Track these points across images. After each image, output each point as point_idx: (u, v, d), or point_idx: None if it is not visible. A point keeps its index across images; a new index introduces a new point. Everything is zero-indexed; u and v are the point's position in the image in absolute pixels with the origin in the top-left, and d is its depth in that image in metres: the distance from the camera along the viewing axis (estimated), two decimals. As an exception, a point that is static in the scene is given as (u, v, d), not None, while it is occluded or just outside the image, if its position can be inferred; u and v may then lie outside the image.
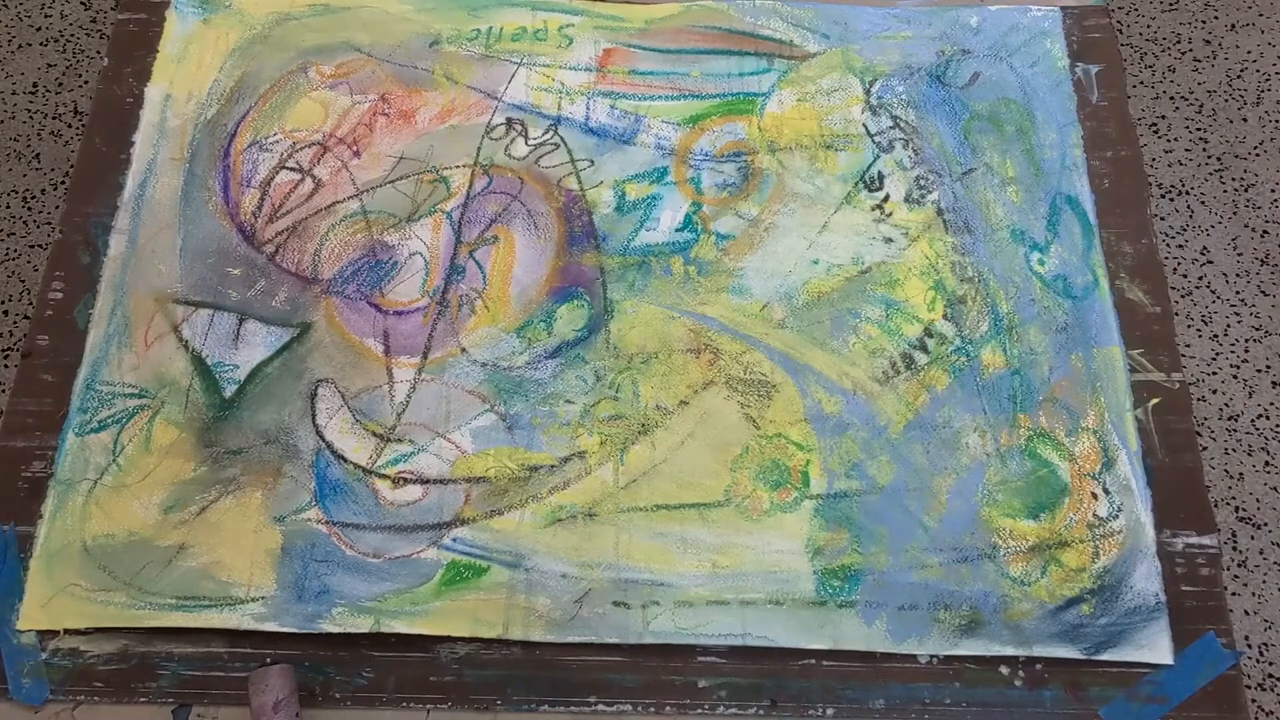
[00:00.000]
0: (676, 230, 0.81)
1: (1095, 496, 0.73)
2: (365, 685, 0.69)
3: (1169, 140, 1.70)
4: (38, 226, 1.57)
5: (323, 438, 0.74)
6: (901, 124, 0.85)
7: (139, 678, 0.69)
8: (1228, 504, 1.43)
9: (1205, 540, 0.73)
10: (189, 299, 0.78)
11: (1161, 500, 0.73)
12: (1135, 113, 1.71)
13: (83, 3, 1.75)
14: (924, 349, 0.77)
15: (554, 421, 0.74)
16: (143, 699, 0.68)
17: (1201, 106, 1.73)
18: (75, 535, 0.71)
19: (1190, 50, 1.78)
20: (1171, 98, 1.74)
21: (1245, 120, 1.71)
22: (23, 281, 1.53)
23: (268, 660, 0.68)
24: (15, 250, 1.55)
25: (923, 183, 0.83)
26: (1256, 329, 1.55)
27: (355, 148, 0.84)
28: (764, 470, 0.73)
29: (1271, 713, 1.30)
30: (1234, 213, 1.64)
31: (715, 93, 0.86)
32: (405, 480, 0.73)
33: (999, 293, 0.79)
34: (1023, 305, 0.79)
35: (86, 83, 1.68)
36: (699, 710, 0.69)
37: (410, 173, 0.83)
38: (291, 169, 0.83)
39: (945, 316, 0.78)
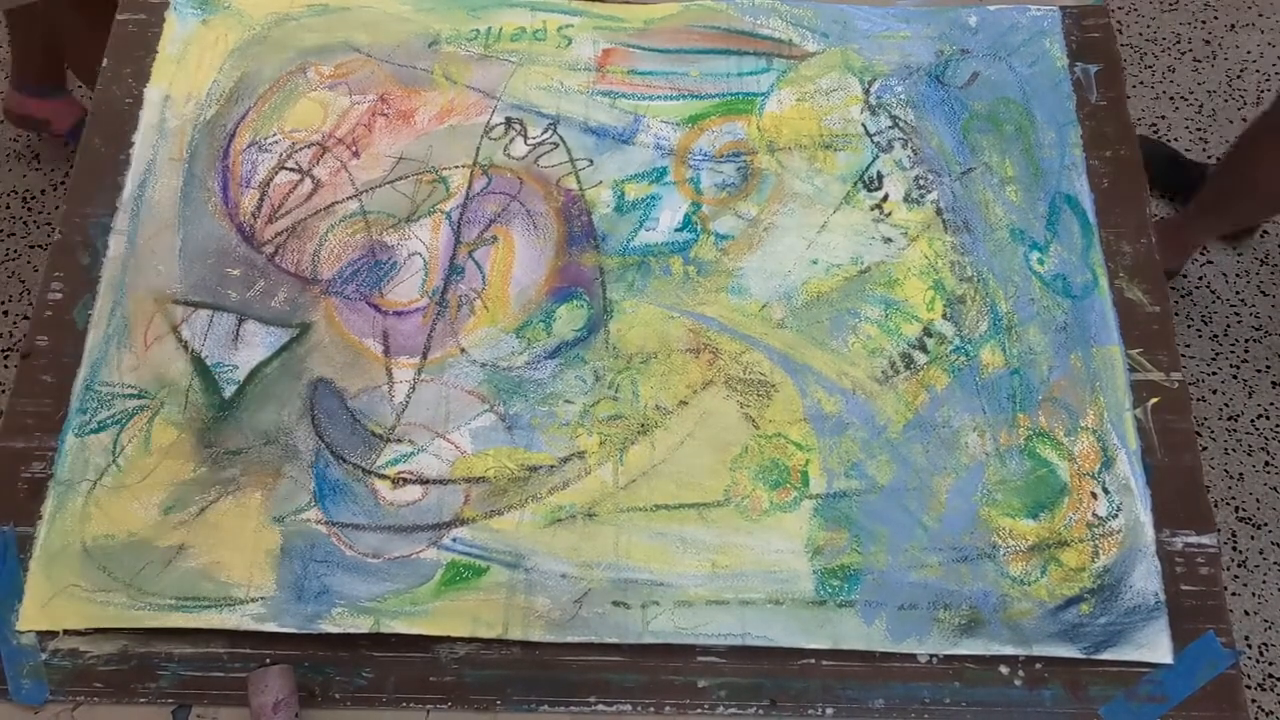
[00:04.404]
0: (676, 230, 0.81)
1: (1094, 496, 0.73)
2: (365, 685, 0.69)
3: (1169, 140, 1.70)
4: (38, 227, 1.57)
5: (322, 438, 0.74)
6: (900, 124, 0.85)
7: (139, 678, 0.69)
8: (1228, 504, 1.43)
9: (1205, 540, 0.73)
10: (188, 299, 0.78)
11: (1161, 500, 0.73)
12: (1135, 113, 1.71)
13: (82, 4, 1.75)
14: (923, 348, 0.77)
15: (553, 421, 0.74)
16: (142, 699, 0.68)
17: (1201, 106, 1.73)
18: (75, 536, 0.71)
19: (1190, 50, 1.78)
20: (1171, 98, 1.74)
21: (1245, 120, 1.71)
22: (23, 282, 1.53)
23: (267, 660, 0.68)
24: (15, 250, 1.55)
25: (922, 182, 0.83)
26: (1256, 329, 1.55)
27: (354, 148, 0.84)
28: (763, 470, 0.73)
29: (1271, 713, 1.30)
30: (1234, 212, 1.64)
31: (714, 92, 0.86)
32: (405, 480, 0.73)
33: (998, 292, 0.79)
34: (1022, 305, 0.79)
35: (86, 83, 1.68)
36: (699, 710, 0.69)
37: (409, 173, 0.83)
38: (291, 169, 0.83)
39: (944, 316, 0.78)
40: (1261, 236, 1.61)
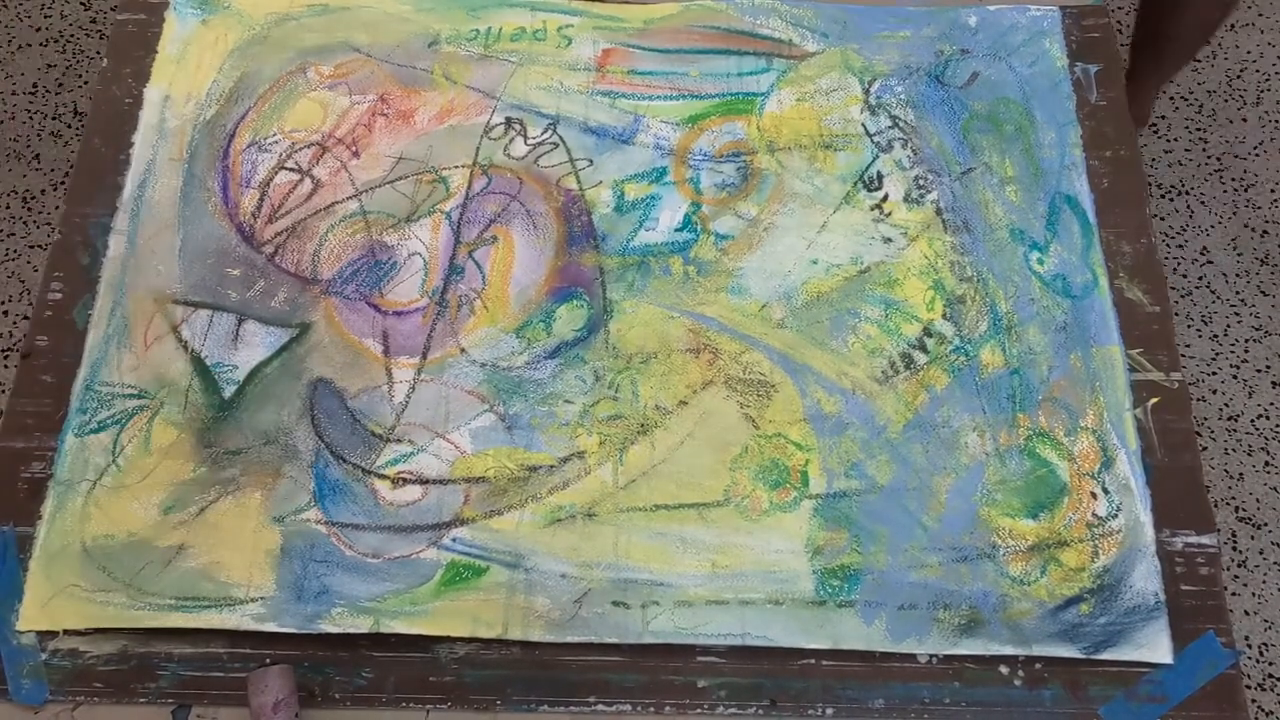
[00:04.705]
0: (675, 230, 0.81)
1: (1094, 496, 0.73)
2: (365, 685, 0.69)
3: (1169, 140, 1.69)
4: (37, 227, 1.57)
5: (322, 438, 0.74)
6: (900, 124, 0.85)
7: (139, 678, 0.69)
8: (1228, 504, 1.43)
9: (1205, 540, 0.73)
10: (188, 299, 0.78)
11: (1161, 500, 0.73)
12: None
13: (83, 3, 1.75)
14: (923, 348, 0.77)
15: (553, 422, 0.74)
16: (142, 699, 0.68)
17: (1201, 106, 1.73)
18: (75, 536, 0.71)
19: (1190, 50, 1.77)
20: (1171, 98, 1.74)
21: (1245, 120, 1.71)
22: (23, 282, 1.53)
23: (267, 660, 0.68)
24: (15, 250, 1.55)
25: (922, 182, 0.83)
26: (1256, 329, 1.55)
27: (354, 148, 0.84)
28: (763, 470, 0.73)
29: (1271, 713, 1.30)
30: (1234, 213, 1.64)
31: (714, 92, 0.86)
32: (405, 480, 0.73)
33: (998, 292, 0.79)
34: (1022, 304, 0.79)
35: (86, 83, 1.68)
36: (699, 710, 0.69)
37: (409, 173, 0.83)
38: (290, 169, 0.83)
39: (944, 316, 0.78)
40: (1262, 236, 1.61)
